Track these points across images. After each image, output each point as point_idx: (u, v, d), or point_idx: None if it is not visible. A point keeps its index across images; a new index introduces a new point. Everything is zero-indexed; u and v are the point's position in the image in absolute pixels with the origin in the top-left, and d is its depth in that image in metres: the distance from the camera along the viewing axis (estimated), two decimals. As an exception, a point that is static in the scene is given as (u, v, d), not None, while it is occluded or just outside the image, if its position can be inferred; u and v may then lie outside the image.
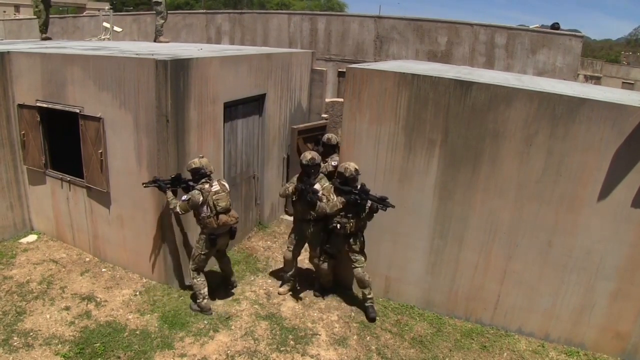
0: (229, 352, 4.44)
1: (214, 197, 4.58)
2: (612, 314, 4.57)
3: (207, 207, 4.59)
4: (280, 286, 5.45)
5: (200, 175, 4.64)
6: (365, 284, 5.01)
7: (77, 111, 5.32)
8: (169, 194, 4.73)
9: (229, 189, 4.76)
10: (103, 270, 5.69)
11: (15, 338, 4.42)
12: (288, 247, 5.22)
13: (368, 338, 4.76)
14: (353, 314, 5.13)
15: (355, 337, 4.77)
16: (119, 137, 5.15)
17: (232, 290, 5.35)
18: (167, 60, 4.59)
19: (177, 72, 4.70)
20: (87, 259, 5.91)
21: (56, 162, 6.03)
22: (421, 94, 4.69)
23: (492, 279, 4.90)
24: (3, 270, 5.52)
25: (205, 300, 4.90)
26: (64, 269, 5.63)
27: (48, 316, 4.76)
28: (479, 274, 4.93)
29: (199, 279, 4.88)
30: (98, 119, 5.17)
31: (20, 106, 5.84)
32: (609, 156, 4.20)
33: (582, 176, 4.33)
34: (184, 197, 4.62)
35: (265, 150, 6.75)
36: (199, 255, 4.81)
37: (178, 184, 4.79)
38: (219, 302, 5.19)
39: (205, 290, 4.90)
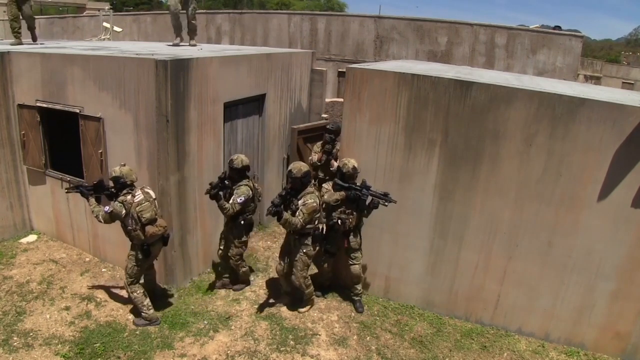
0: (229, 352, 4.44)
1: (137, 208, 4.29)
2: (612, 314, 4.57)
3: (131, 220, 4.33)
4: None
5: (120, 185, 4.38)
6: (360, 280, 5.13)
7: (77, 111, 5.32)
8: (92, 200, 4.48)
9: (154, 197, 4.50)
10: (103, 270, 5.69)
11: (15, 338, 4.42)
12: (279, 262, 5.03)
13: (368, 338, 4.76)
14: (353, 314, 5.13)
15: (355, 337, 4.77)
16: (119, 138, 5.15)
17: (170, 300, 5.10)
18: (167, 60, 4.59)
19: (177, 72, 4.70)
20: (87, 259, 5.91)
21: (56, 162, 6.03)
22: (421, 94, 4.69)
23: (492, 279, 4.90)
24: (3, 270, 5.52)
25: (151, 311, 4.68)
26: (64, 269, 5.63)
27: (48, 316, 4.76)
28: (479, 274, 4.93)
29: (138, 292, 4.62)
30: (98, 119, 5.17)
31: (20, 106, 5.84)
32: (609, 156, 4.20)
33: (582, 176, 4.33)
34: (106, 209, 4.33)
35: (265, 151, 6.75)
36: (133, 268, 4.55)
37: (101, 190, 4.54)
38: (219, 302, 5.19)
39: (147, 300, 4.67)
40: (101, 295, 5.17)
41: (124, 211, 4.32)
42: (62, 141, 5.97)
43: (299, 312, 5.06)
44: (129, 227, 4.40)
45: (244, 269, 5.31)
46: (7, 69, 5.77)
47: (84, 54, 5.37)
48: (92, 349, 4.34)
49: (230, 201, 4.74)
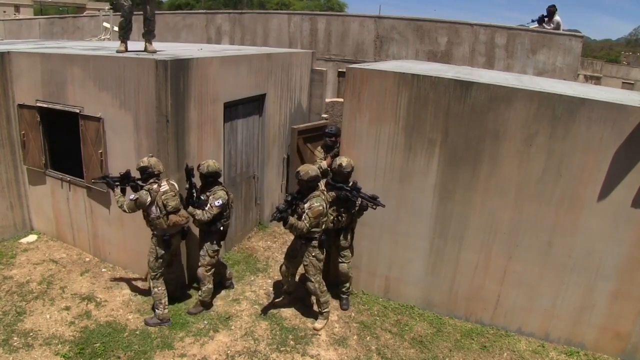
0: (229, 352, 4.45)
1: (162, 197, 4.41)
2: (612, 314, 4.57)
3: (156, 208, 4.42)
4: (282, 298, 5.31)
5: (148, 174, 4.49)
6: (348, 279, 5.13)
7: (77, 111, 5.32)
8: (117, 191, 4.57)
9: (178, 189, 4.59)
10: (103, 270, 5.69)
11: (15, 338, 4.42)
12: (283, 263, 4.99)
13: (368, 338, 4.76)
14: (353, 314, 5.13)
15: (355, 337, 4.77)
16: (119, 137, 5.15)
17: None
18: (167, 60, 4.59)
19: (177, 72, 4.70)
20: (87, 259, 5.92)
21: (56, 162, 6.03)
22: (421, 94, 4.69)
23: (492, 279, 4.90)
24: (3, 270, 5.52)
25: (165, 310, 4.71)
26: (64, 269, 5.63)
27: (48, 316, 4.76)
28: (479, 274, 4.93)
29: (160, 288, 4.66)
30: (98, 119, 5.17)
31: (20, 106, 5.84)
32: (609, 156, 4.20)
33: (582, 176, 4.33)
34: (132, 197, 4.45)
35: (265, 150, 6.76)
36: (155, 261, 4.60)
37: (127, 181, 4.61)
38: (219, 302, 5.19)
39: (166, 299, 4.70)
40: (101, 295, 5.17)
41: (149, 199, 4.40)
42: (62, 141, 5.97)
43: (314, 328, 4.82)
44: (152, 216, 4.46)
45: (208, 286, 4.89)
46: (7, 69, 5.77)
47: (84, 54, 5.37)
48: (92, 349, 4.34)
49: (207, 207, 4.58)
